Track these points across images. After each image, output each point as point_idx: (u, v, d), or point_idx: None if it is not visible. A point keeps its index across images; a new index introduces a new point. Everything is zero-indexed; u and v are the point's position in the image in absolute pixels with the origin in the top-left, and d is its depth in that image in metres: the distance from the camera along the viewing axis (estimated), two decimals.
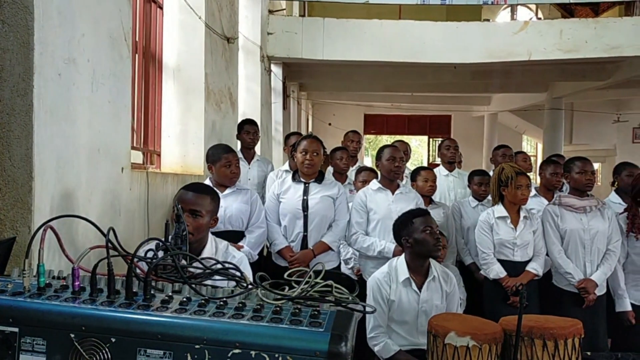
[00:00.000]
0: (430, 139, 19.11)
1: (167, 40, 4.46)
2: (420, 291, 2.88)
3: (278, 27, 7.64)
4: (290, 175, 3.70)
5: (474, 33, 7.86)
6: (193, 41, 4.52)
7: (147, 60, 4.10)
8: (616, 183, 4.50)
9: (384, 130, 18.82)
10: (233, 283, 1.48)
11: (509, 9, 13.10)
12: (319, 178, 3.61)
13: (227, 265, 1.49)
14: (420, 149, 22.80)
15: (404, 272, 2.89)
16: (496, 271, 3.55)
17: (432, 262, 2.97)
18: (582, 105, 14.88)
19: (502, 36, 7.81)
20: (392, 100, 15.55)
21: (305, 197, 3.54)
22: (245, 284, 1.37)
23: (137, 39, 3.81)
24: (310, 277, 1.33)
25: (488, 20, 11.84)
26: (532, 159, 18.46)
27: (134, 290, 1.32)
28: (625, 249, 3.62)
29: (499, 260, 3.58)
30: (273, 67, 8.30)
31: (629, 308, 3.56)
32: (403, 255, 2.97)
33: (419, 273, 2.91)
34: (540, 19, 12.95)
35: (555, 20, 8.60)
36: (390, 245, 3.50)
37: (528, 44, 7.68)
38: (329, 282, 1.30)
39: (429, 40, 7.73)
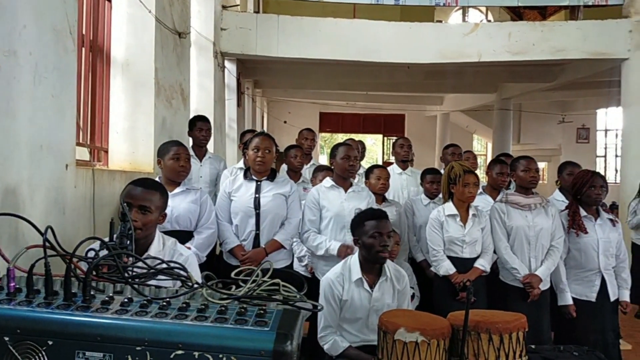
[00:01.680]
0: (385, 138, 19.33)
1: (115, 34, 4.34)
2: (372, 290, 2.90)
3: (232, 23, 7.56)
4: (242, 173, 3.66)
5: (427, 34, 7.98)
6: (143, 35, 4.42)
7: (95, 54, 3.98)
8: (559, 182, 4.68)
9: (339, 128, 18.93)
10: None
11: (461, 11, 13.39)
12: (271, 176, 3.58)
13: (172, 264, 1.45)
14: (375, 147, 23.03)
15: (356, 272, 2.91)
16: (446, 268, 3.61)
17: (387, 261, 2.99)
18: (529, 106, 15.37)
19: (453, 37, 7.96)
20: (348, 99, 15.66)
21: (257, 195, 3.51)
22: (190, 284, 1.34)
23: (83, 32, 3.69)
24: (257, 276, 1.32)
25: (441, 21, 12.05)
26: (482, 158, 18.99)
27: (73, 291, 1.27)
28: (567, 245, 3.74)
29: (449, 257, 3.64)
30: (227, 64, 8.21)
31: (571, 302, 3.68)
32: (357, 254, 2.99)
33: (371, 272, 2.93)
34: (490, 21, 13.26)
35: (505, 22, 8.85)
36: (335, 244, 3.52)
37: (478, 45, 7.85)
38: (277, 280, 1.29)
39: (383, 39, 7.80)
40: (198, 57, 6.83)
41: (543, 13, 13.72)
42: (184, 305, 1.22)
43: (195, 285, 1.32)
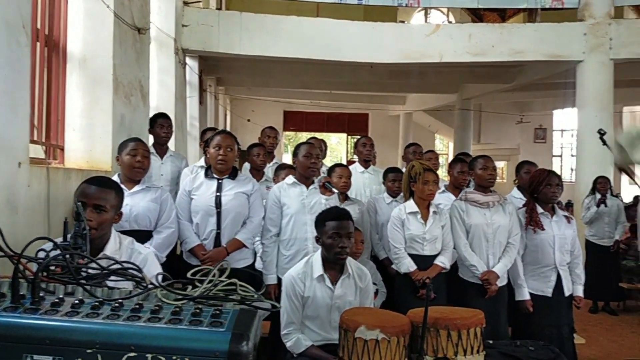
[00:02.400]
0: (349, 137, 19.41)
1: (72, 29, 4.22)
2: (334, 287, 2.90)
3: (193, 20, 7.46)
4: (203, 172, 3.62)
5: (390, 34, 8.05)
6: (101, 30, 4.31)
7: (50, 50, 3.86)
8: (517, 180, 4.79)
9: (303, 127, 18.91)
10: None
11: (423, 12, 13.55)
12: (233, 174, 3.55)
13: (126, 264, 1.42)
14: (340, 146, 23.11)
15: (318, 269, 2.91)
16: (407, 265, 3.64)
17: (348, 259, 3.00)
18: (489, 106, 15.68)
19: (415, 38, 8.05)
20: (312, 98, 15.65)
21: (218, 194, 3.47)
22: (145, 285, 1.31)
23: (38, 27, 3.58)
24: (214, 276, 1.30)
25: (403, 22, 12.18)
26: (445, 157, 19.28)
27: (22, 293, 1.23)
28: (524, 241, 3.81)
29: (410, 255, 3.67)
30: (188, 61, 8.10)
31: (528, 297, 3.75)
32: (320, 251, 2.99)
33: (333, 269, 2.94)
34: (451, 22, 13.47)
35: (465, 24, 9.00)
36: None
37: (440, 46, 7.97)
38: (233, 280, 1.27)
39: (346, 39, 7.83)
40: (158, 53, 6.71)
41: (502, 15, 14.04)
42: (137, 306, 1.19)
43: (150, 286, 1.30)
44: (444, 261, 3.69)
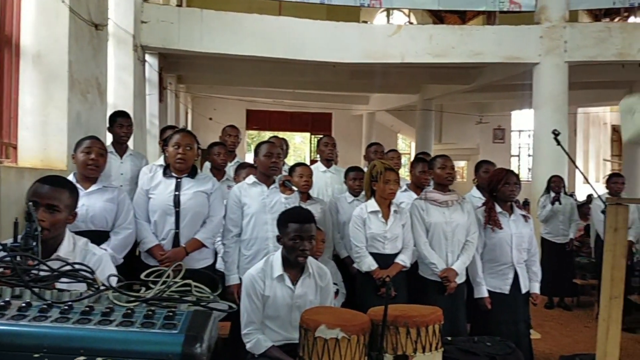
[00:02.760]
0: (312, 136, 19.41)
1: (25, 24, 4.09)
2: (294, 287, 2.89)
3: (153, 16, 7.31)
4: (161, 170, 3.55)
5: (352, 33, 8.08)
6: (55, 26, 4.19)
7: (2, 45, 3.73)
8: (476, 179, 4.88)
9: (266, 126, 18.80)
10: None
11: (386, 12, 13.66)
12: (192, 173, 3.50)
13: (78, 266, 1.38)
14: (303, 145, 23.10)
15: (278, 268, 2.89)
16: (368, 264, 3.66)
17: (309, 258, 2.99)
18: (450, 107, 15.94)
19: (377, 38, 8.10)
20: (275, 97, 15.58)
21: (177, 193, 3.42)
22: (96, 286, 1.27)
23: None
24: (168, 277, 1.27)
25: (366, 22, 12.25)
26: (407, 157, 19.51)
27: None
28: (483, 239, 3.89)
29: (371, 253, 3.69)
30: (148, 58, 7.95)
31: (486, 294, 3.82)
32: (280, 250, 2.98)
33: (294, 269, 2.92)
34: (412, 23, 13.64)
35: (426, 25, 9.12)
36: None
37: (401, 47, 8.04)
38: (188, 281, 1.25)
39: (308, 38, 7.82)
40: (116, 50, 6.57)
41: (463, 17, 14.29)
42: (88, 309, 1.15)
43: (102, 288, 1.26)
44: (404, 259, 3.73)
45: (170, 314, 1.13)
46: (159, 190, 3.45)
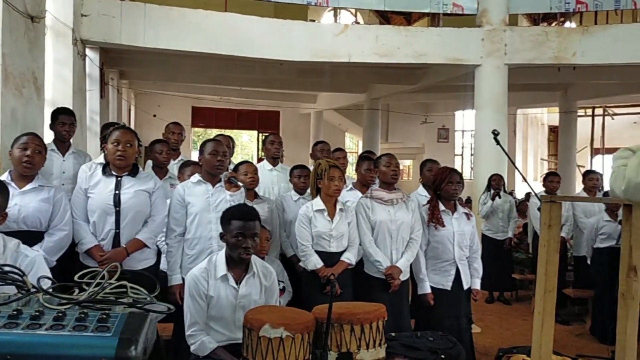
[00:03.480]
0: (260, 134, 19.28)
1: None
2: (238, 286, 2.86)
3: (94, 9, 7.06)
4: (101, 169, 3.43)
5: (299, 32, 8.06)
6: None
7: None
8: (421, 178, 4.98)
9: (212, 123, 18.52)
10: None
11: (333, 11, 13.73)
12: (133, 171, 3.41)
13: (7, 268, 1.31)
14: (251, 143, 22.93)
15: (222, 268, 2.85)
16: (314, 262, 3.67)
17: (253, 257, 2.97)
18: (396, 106, 16.19)
19: (325, 37, 8.11)
20: (221, 94, 15.38)
21: (117, 192, 3.32)
22: (26, 289, 1.21)
23: None
24: (102, 278, 1.23)
25: (314, 21, 12.27)
26: (355, 155, 19.68)
27: None
28: (427, 237, 3.97)
29: (317, 252, 3.70)
30: (88, 52, 7.67)
31: (429, 290, 3.91)
32: (224, 250, 2.94)
33: (238, 268, 2.89)
34: (359, 23, 13.76)
35: (372, 25, 9.21)
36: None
37: (348, 46, 8.08)
38: (123, 282, 1.21)
39: (255, 35, 7.75)
40: (55, 44, 6.30)
41: (409, 19, 14.55)
42: (15, 312, 1.10)
43: (32, 290, 1.21)
44: (350, 257, 3.76)
45: (104, 316, 1.09)
46: (99, 189, 3.34)
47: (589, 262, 5.92)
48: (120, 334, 1.05)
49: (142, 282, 1.36)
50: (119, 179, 3.35)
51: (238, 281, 2.87)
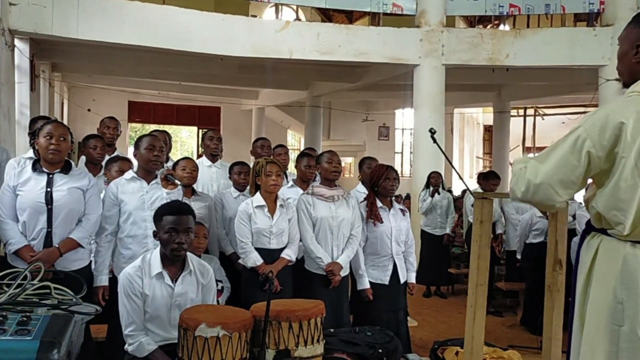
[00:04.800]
0: (200, 130, 18.95)
1: None
2: (174, 285, 2.80)
3: None
4: (31, 165, 3.27)
5: (240, 27, 7.97)
6: None
7: None
8: (360, 175, 5.04)
9: (150, 119, 18.01)
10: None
11: (275, 8, 13.64)
12: (66, 168, 3.27)
13: None
14: (191, 140, 22.51)
15: (157, 266, 2.79)
16: (253, 259, 3.65)
17: (189, 255, 2.92)
18: (338, 104, 16.29)
19: (266, 33, 8.06)
20: (160, 88, 14.99)
21: (49, 189, 3.17)
22: None
23: None
24: (25, 279, 1.17)
25: (255, 16, 12.16)
26: (297, 152, 19.68)
27: None
28: (365, 233, 4.03)
29: (257, 249, 3.68)
30: (17, 43, 7.29)
31: (368, 286, 3.97)
32: (158, 248, 2.87)
33: (173, 266, 2.83)
34: (300, 20, 13.77)
35: (314, 23, 9.23)
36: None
37: (290, 43, 8.07)
38: (46, 283, 1.16)
39: (195, 29, 7.60)
40: None
41: (350, 17, 14.67)
42: None
43: None
44: (290, 254, 3.76)
45: (25, 319, 1.04)
46: (29, 186, 3.18)
47: (518, 256, 6.19)
48: (41, 337, 1.00)
49: (75, 283, 1.31)
50: (50, 176, 3.20)
51: (174, 279, 2.81)
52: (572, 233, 5.16)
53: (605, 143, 1.81)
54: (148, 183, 3.48)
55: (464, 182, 4.06)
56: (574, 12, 9.29)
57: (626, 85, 1.96)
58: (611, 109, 1.86)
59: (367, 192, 4.57)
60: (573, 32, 8.48)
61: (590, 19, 8.87)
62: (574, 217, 5.58)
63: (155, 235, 2.84)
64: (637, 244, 1.83)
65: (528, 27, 10.69)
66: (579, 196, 6.44)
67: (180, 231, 2.75)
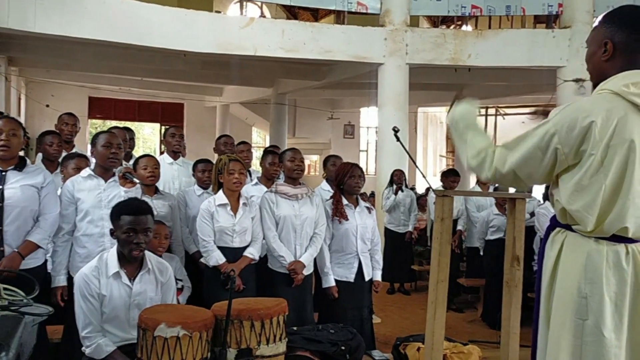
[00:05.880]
0: (163, 127, 18.65)
1: None
2: (132, 284, 2.75)
3: None
4: None
5: (204, 23, 7.88)
6: None
7: None
8: (324, 173, 5.04)
9: (111, 115, 17.62)
10: None
11: (239, 4, 13.53)
12: (20, 165, 3.16)
13: None
14: (153, 136, 22.15)
15: (114, 265, 2.72)
16: (216, 258, 3.61)
17: (147, 253, 2.86)
18: (303, 102, 16.27)
19: (230, 29, 7.99)
20: (121, 84, 14.68)
21: (0, 187, 3.07)
22: None
23: None
24: None
25: (219, 12, 12.03)
26: (262, 150, 19.58)
27: None
28: (331, 231, 4.03)
29: (220, 247, 3.64)
30: None
31: (333, 284, 3.97)
32: (115, 246, 2.81)
33: (131, 265, 2.77)
34: (265, 17, 13.70)
35: (278, 20, 9.17)
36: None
37: (254, 39, 8.01)
38: None
39: (156, 24, 7.47)
40: None
41: (315, 15, 14.67)
42: None
43: None
44: (253, 252, 3.73)
45: None
46: None
47: (481, 253, 6.30)
48: None
49: (28, 283, 1.26)
50: (3, 173, 3.10)
51: (131, 278, 2.75)
52: (530, 230, 5.29)
53: (572, 140, 1.83)
54: (105, 181, 3.40)
55: (426, 180, 4.11)
56: (533, 13, 9.49)
57: (596, 86, 1.99)
58: (581, 106, 1.88)
59: (331, 190, 4.58)
60: (532, 33, 8.68)
61: (549, 20, 9.10)
62: (532, 214, 5.71)
63: (112, 233, 2.77)
64: (600, 239, 1.87)
65: (490, 28, 10.88)
66: (539, 194, 6.61)
67: (138, 231, 2.70)
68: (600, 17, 2.01)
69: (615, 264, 1.85)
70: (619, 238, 1.86)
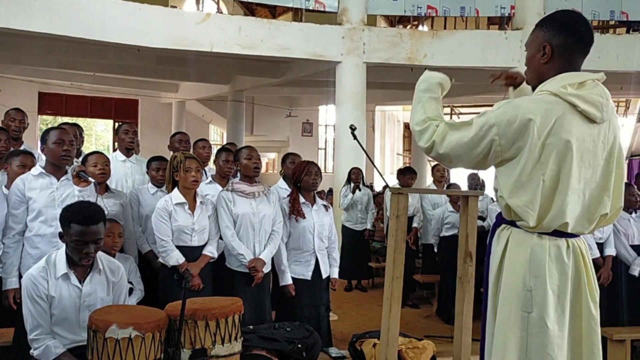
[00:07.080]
0: (116, 123, 18.20)
1: None
2: (82, 285, 2.66)
3: None
4: None
5: (158, 17, 7.73)
6: None
7: None
8: (282, 171, 5.03)
9: (62, 111, 17.08)
10: None
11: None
12: None
13: None
14: (106, 133, 21.60)
15: (62, 267, 2.64)
16: (175, 258, 3.54)
17: (98, 253, 2.78)
18: (261, 99, 16.18)
19: (186, 25, 7.86)
20: (72, 79, 14.25)
21: None
22: None
23: None
24: None
25: (175, 7, 11.82)
26: (219, 147, 19.38)
27: None
28: (288, 229, 4.02)
29: (178, 247, 3.58)
30: None
31: (291, 282, 3.96)
32: (64, 247, 2.71)
33: (80, 266, 2.69)
34: (221, 12, 13.55)
35: (235, 16, 9.09)
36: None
37: (211, 35, 7.91)
38: None
39: (109, 18, 7.28)
40: None
41: (273, 12, 14.62)
42: None
43: None
44: (212, 251, 3.70)
45: None
46: None
47: (436, 249, 6.41)
48: None
49: None
50: None
51: (81, 279, 2.67)
52: (483, 227, 5.42)
53: (510, 134, 1.90)
54: (58, 179, 3.28)
55: (383, 178, 4.16)
56: (487, 15, 9.71)
57: (535, 87, 2.05)
58: (522, 103, 1.95)
59: (288, 188, 4.57)
60: (486, 34, 8.89)
61: (502, 22, 9.33)
62: (482, 219, 5.85)
63: (61, 237, 2.67)
64: (543, 235, 1.95)
65: (445, 28, 11.08)
66: (491, 192, 6.77)
67: (89, 242, 2.61)
68: (538, 21, 2.08)
69: (557, 258, 1.93)
70: (560, 233, 1.95)
